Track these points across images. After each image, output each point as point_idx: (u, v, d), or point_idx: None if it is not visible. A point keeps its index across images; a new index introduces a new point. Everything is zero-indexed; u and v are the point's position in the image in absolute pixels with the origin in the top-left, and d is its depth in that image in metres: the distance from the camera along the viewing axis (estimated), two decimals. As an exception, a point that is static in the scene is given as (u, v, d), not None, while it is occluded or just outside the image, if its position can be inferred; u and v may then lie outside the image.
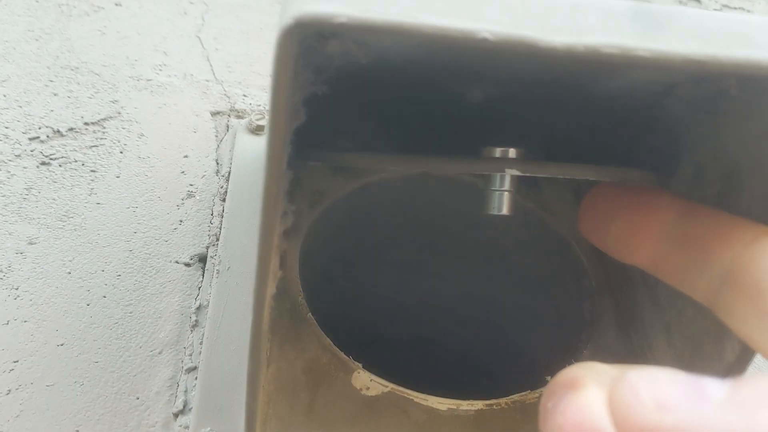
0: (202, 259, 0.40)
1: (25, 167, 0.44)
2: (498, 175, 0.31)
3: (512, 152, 0.31)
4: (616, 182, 0.29)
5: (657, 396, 0.15)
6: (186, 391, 0.34)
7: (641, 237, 0.26)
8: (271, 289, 0.27)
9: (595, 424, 0.16)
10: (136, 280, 0.39)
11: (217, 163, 0.47)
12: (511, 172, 0.30)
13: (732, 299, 0.21)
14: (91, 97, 0.50)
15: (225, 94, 0.52)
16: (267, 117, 0.18)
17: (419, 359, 0.46)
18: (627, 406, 0.15)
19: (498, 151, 0.31)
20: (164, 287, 0.39)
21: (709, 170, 0.31)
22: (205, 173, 0.46)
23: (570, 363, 0.34)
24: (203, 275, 0.39)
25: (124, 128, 0.48)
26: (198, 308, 0.37)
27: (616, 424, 0.16)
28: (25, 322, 0.36)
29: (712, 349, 0.30)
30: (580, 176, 0.30)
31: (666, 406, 0.15)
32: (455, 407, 0.32)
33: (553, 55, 0.18)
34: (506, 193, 0.31)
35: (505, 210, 0.31)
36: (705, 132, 0.31)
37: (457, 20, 0.17)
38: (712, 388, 0.15)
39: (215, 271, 0.37)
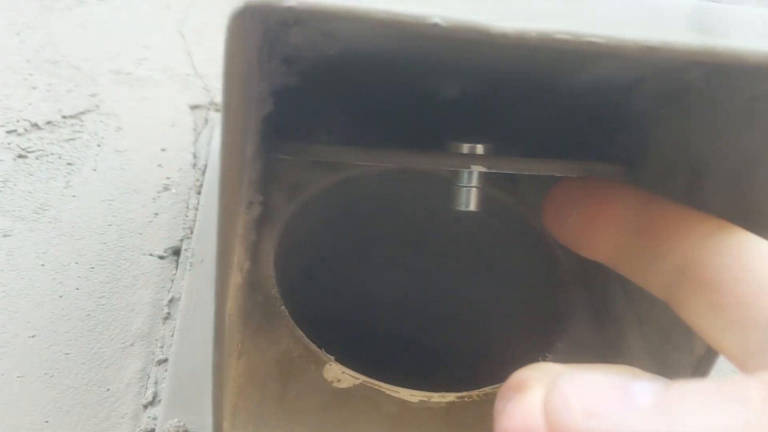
0: (176, 252, 0.40)
1: (1, 160, 0.44)
2: (465, 171, 0.31)
3: (479, 148, 0.30)
4: (579, 176, 0.29)
5: (585, 402, 0.15)
6: (156, 383, 0.34)
7: (598, 229, 0.25)
8: (236, 278, 0.27)
9: (534, 428, 0.17)
10: (109, 273, 0.39)
11: (195, 157, 0.47)
12: (477, 169, 0.30)
13: (687, 294, 0.21)
14: (70, 91, 0.50)
15: (205, 88, 0.52)
16: (222, 100, 0.18)
17: (395, 355, 0.46)
18: (557, 412, 0.15)
19: (465, 147, 0.30)
20: (137, 280, 0.39)
21: (676, 164, 0.31)
22: (182, 166, 0.46)
23: (544, 357, 0.35)
24: (177, 268, 0.39)
25: (102, 122, 0.48)
26: (170, 300, 0.37)
27: (549, 429, 0.16)
28: (-3, 313, 0.36)
29: (681, 342, 0.30)
30: (547, 172, 0.30)
31: (593, 412, 0.15)
32: (427, 399, 0.32)
33: (504, 42, 0.18)
34: (474, 189, 0.31)
35: (472, 206, 0.31)
36: (671, 127, 0.31)
37: (408, 5, 0.17)
38: (641, 393, 0.15)
39: (188, 264, 0.37)
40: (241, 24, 0.17)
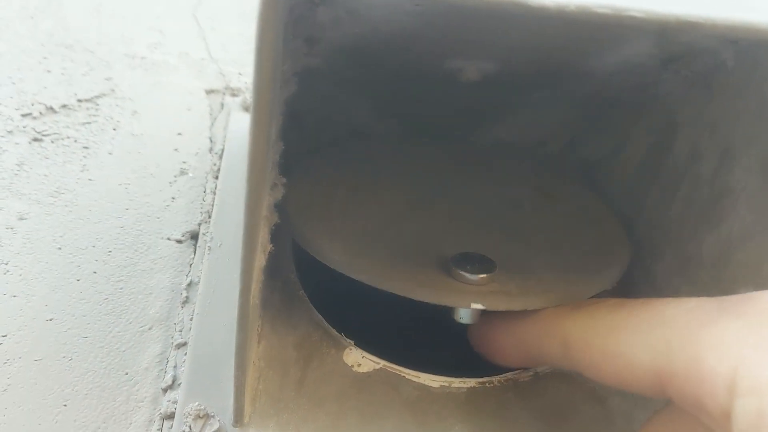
0: (194, 236, 0.40)
1: (17, 143, 0.43)
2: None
3: (481, 278, 0.30)
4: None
5: None
6: (175, 367, 0.33)
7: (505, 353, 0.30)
8: (260, 260, 0.26)
9: None
10: (127, 257, 0.38)
11: (211, 141, 0.46)
12: (476, 306, 0.29)
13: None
14: (84, 75, 0.50)
15: (220, 73, 0.52)
16: (252, 79, 0.18)
17: (415, 339, 0.46)
18: None
19: (466, 276, 0.30)
20: (155, 264, 0.38)
21: (705, 148, 0.30)
22: (198, 151, 0.45)
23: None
24: (195, 252, 0.39)
25: (117, 105, 0.48)
26: (189, 285, 0.37)
27: None
28: (15, 296, 0.35)
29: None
30: (544, 305, 0.29)
31: None
32: (447, 384, 0.31)
33: (544, 15, 0.17)
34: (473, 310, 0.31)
35: (469, 321, 0.31)
36: (701, 109, 0.31)
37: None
38: None
39: (207, 248, 0.37)
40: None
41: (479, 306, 0.30)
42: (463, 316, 0.32)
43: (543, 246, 0.34)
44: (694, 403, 0.21)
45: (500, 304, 0.30)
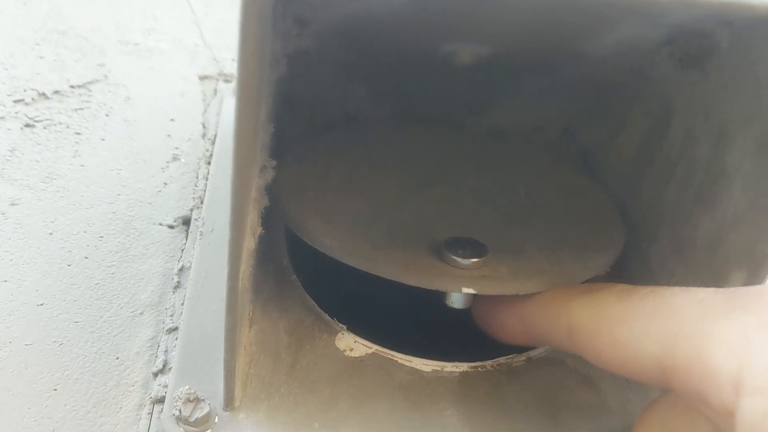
0: (186, 222, 0.40)
1: (9, 129, 0.43)
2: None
3: (473, 262, 0.30)
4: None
5: None
6: (166, 351, 0.33)
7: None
8: (249, 243, 0.26)
9: None
10: (118, 242, 0.38)
11: (204, 127, 0.46)
12: (467, 291, 0.29)
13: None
14: (77, 61, 0.49)
15: (214, 59, 0.52)
16: (237, 56, 0.18)
17: (407, 325, 0.46)
18: None
19: (459, 260, 0.30)
20: (147, 249, 0.38)
21: (700, 131, 0.30)
22: (191, 137, 0.45)
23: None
24: (186, 237, 0.39)
25: (110, 91, 0.47)
26: (180, 270, 0.37)
27: None
28: (5, 281, 0.35)
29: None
30: (537, 289, 0.29)
31: None
32: (440, 369, 0.31)
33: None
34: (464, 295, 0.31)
35: (462, 306, 0.31)
36: (696, 92, 0.31)
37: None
38: None
39: (198, 234, 0.37)
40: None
41: (470, 290, 0.29)
42: (455, 300, 0.31)
43: (537, 231, 0.33)
44: (698, 398, 0.21)
45: (492, 289, 0.30)
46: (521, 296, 0.29)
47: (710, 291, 0.22)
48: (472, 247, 0.30)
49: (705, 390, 0.20)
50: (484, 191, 0.36)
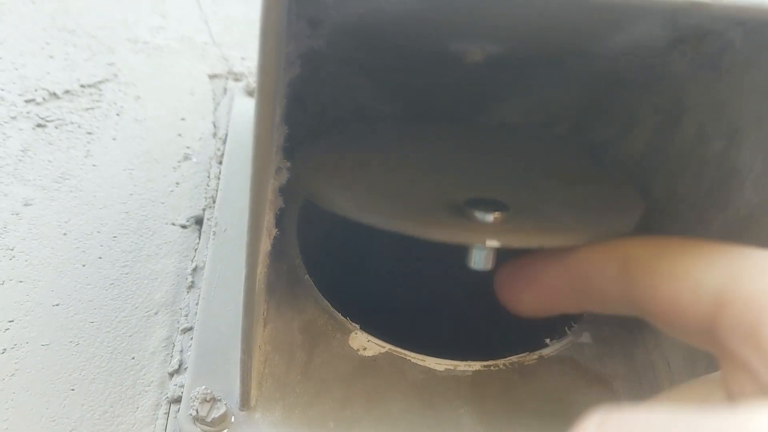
0: (199, 221, 0.40)
1: (20, 129, 0.43)
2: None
3: (495, 216, 0.29)
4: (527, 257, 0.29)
5: None
6: (181, 351, 0.33)
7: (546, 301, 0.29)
8: (265, 244, 0.26)
9: None
10: (132, 242, 0.38)
11: (215, 126, 0.46)
12: (491, 244, 0.28)
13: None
14: (87, 60, 0.49)
15: (223, 57, 0.52)
16: (257, 61, 0.18)
17: (419, 323, 0.46)
18: None
19: (480, 215, 0.29)
20: (160, 249, 0.38)
21: (712, 129, 0.30)
22: (201, 136, 0.45)
23: (570, 326, 0.34)
24: (200, 237, 0.39)
25: (120, 90, 0.48)
26: (194, 269, 0.37)
27: None
28: (21, 282, 0.36)
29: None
30: (562, 243, 0.28)
31: None
32: (452, 368, 0.31)
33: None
34: (487, 251, 0.29)
35: (485, 267, 0.30)
36: (708, 89, 0.31)
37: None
38: None
39: (212, 233, 0.37)
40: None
41: (494, 243, 0.28)
42: (477, 260, 0.30)
43: (557, 195, 0.33)
44: (748, 332, 0.20)
45: (516, 241, 0.28)
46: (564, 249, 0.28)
47: None
48: (494, 205, 0.29)
49: (759, 322, 0.19)
50: (500, 168, 0.36)
